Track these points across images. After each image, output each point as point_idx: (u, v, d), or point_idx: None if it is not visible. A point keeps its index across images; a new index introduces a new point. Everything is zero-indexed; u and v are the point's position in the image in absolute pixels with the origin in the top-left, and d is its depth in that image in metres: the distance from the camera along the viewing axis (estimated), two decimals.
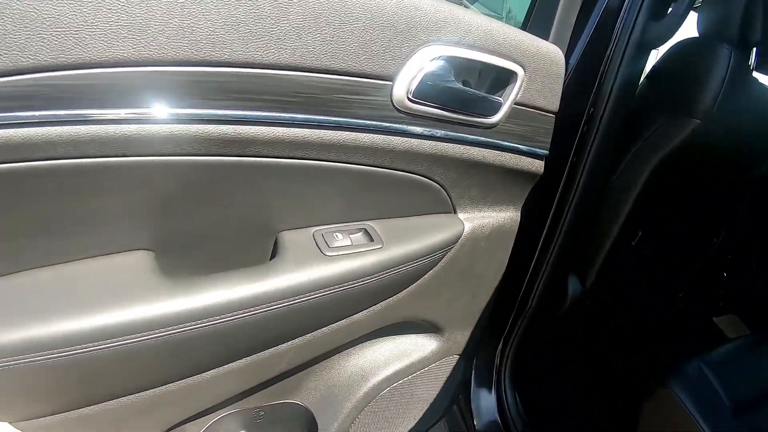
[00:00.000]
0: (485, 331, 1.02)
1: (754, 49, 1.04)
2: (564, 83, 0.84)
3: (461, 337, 0.98)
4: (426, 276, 0.79)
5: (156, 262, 0.60)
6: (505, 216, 0.86)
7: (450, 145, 0.69)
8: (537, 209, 0.95)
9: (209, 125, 0.51)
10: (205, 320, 0.58)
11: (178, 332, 0.57)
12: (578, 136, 0.90)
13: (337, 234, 0.69)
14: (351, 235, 0.70)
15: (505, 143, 0.74)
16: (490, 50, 0.65)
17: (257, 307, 0.62)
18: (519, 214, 0.89)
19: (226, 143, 0.53)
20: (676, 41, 1.07)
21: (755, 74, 1.08)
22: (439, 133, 0.67)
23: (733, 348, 1.11)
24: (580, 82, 0.87)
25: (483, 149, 0.73)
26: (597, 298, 1.24)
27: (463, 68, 0.66)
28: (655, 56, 1.08)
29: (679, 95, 1.02)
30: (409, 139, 0.65)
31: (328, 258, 0.67)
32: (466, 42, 0.63)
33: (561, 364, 1.39)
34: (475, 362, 1.11)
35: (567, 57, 0.84)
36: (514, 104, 0.71)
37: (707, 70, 0.97)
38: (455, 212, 0.81)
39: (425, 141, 0.67)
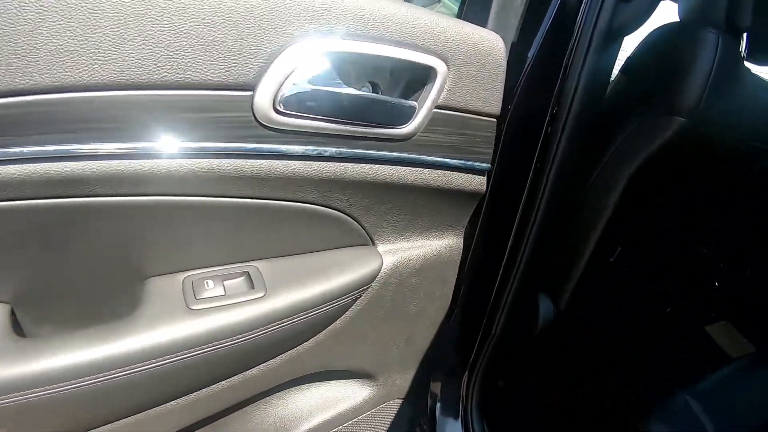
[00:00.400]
0: (432, 370, 0.91)
1: (744, 35, 0.89)
2: (521, 79, 0.72)
3: (402, 380, 0.85)
4: (338, 322, 0.65)
5: (11, 317, 0.53)
6: (441, 244, 0.72)
7: (349, 165, 0.55)
8: (496, 225, 0.83)
9: (30, 164, 0.44)
10: (55, 386, 0.49)
11: (30, 397, 0.48)
12: (541, 139, 0.77)
13: (208, 281, 0.56)
14: (227, 282, 0.57)
15: (428, 158, 0.60)
16: (394, 41, 0.51)
17: (115, 371, 0.52)
18: (462, 240, 0.75)
19: (52, 184, 0.45)
20: (654, 27, 0.92)
21: (746, 64, 0.94)
22: (329, 151, 0.53)
23: (723, 375, 1.01)
24: (541, 77, 0.74)
25: (397, 167, 0.58)
26: (572, 318, 1.12)
27: (365, 68, 0.53)
28: (629, 46, 0.94)
29: (660, 90, 0.89)
30: (288, 161, 0.51)
31: (194, 312, 0.54)
32: (355, 33, 0.48)
33: (532, 392, 1.27)
34: (440, 394, 1.00)
35: (523, 48, 0.73)
36: (436, 108, 0.57)
37: (692, 60, 0.84)
38: (374, 244, 0.66)
39: (311, 162, 0.52)
